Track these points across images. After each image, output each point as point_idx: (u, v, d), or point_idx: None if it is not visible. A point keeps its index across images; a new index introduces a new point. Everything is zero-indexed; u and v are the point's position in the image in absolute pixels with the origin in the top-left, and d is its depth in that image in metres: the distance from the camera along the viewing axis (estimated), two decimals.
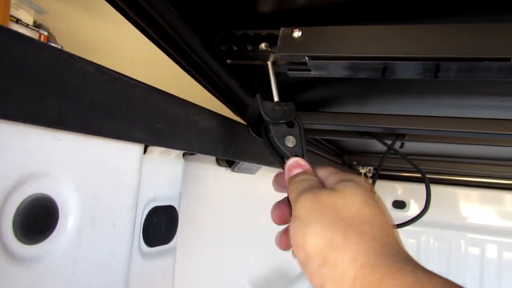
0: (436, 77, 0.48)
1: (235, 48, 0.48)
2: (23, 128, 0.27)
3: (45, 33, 2.56)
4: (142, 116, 0.36)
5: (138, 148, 0.38)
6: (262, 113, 0.44)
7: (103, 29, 2.88)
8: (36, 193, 0.29)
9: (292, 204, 0.34)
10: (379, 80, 0.62)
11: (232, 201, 0.81)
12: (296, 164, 0.40)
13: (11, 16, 2.32)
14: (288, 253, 1.16)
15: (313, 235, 0.28)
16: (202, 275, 0.71)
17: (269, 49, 0.46)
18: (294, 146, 0.44)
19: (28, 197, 0.28)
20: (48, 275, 0.29)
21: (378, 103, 0.76)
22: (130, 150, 0.37)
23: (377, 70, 0.46)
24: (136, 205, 0.39)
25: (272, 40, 0.46)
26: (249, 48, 0.47)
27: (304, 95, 0.72)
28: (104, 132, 0.32)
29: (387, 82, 0.63)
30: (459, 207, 1.77)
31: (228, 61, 0.49)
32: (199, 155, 0.62)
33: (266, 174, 0.93)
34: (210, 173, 0.71)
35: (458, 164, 1.44)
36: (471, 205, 1.76)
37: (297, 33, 0.44)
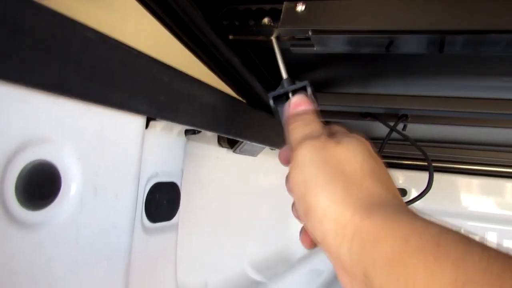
0: (441, 51, 0.47)
1: (237, 23, 0.48)
2: (24, 92, 0.27)
3: None
4: (144, 87, 0.36)
5: (140, 120, 0.38)
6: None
7: (104, 16, 2.85)
8: (39, 159, 0.28)
9: (293, 147, 0.32)
10: (382, 59, 0.62)
11: (233, 183, 0.81)
12: (300, 101, 0.37)
13: None
14: (289, 237, 1.16)
15: (315, 189, 0.28)
16: (200, 257, 0.71)
17: (272, 24, 0.45)
18: None
19: (30, 162, 0.28)
20: (50, 242, 0.29)
21: (380, 84, 0.76)
22: (132, 122, 0.37)
23: (381, 44, 0.45)
24: (138, 178, 0.39)
25: (275, 15, 0.46)
26: (252, 23, 0.47)
27: (304, 75, 0.72)
28: (106, 100, 0.32)
29: (390, 61, 0.62)
30: (460, 195, 1.77)
31: (231, 36, 0.49)
32: (200, 135, 0.62)
33: (267, 157, 0.93)
34: (211, 154, 0.70)
35: (461, 150, 1.44)
36: (472, 193, 1.76)
37: (300, 7, 0.43)
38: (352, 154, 0.29)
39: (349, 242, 0.25)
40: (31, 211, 0.28)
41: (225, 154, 0.73)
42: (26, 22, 0.25)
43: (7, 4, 0.24)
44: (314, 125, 0.34)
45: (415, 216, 0.25)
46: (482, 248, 0.21)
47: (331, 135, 0.33)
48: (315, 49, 0.46)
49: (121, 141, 0.36)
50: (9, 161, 0.26)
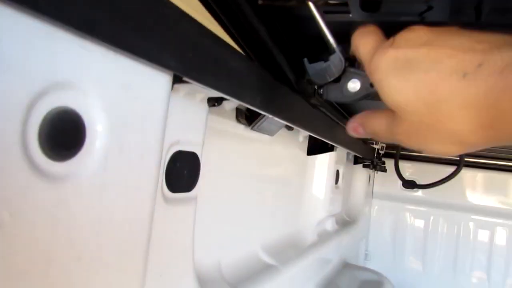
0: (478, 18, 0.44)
1: None
2: (51, 29, 0.24)
3: None
4: (173, 41, 0.33)
5: (167, 78, 0.35)
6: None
7: None
8: (63, 106, 0.26)
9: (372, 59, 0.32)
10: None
11: (248, 164, 0.79)
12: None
13: None
14: (300, 224, 1.13)
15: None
16: (213, 237, 0.69)
17: None
18: None
19: (55, 108, 0.25)
20: (73, 197, 0.27)
21: None
22: (159, 79, 0.35)
23: (419, 10, 0.42)
24: (163, 140, 0.36)
25: None
26: None
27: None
28: (135, 50, 0.29)
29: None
30: (469, 189, 1.74)
31: (260, 1, 0.46)
32: (219, 108, 0.59)
33: (283, 140, 0.91)
34: (229, 129, 0.68)
35: None
36: (482, 187, 1.73)
37: None
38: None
39: None
40: (54, 162, 0.26)
41: (242, 131, 0.70)
42: None
43: None
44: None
45: None
46: None
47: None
48: (351, 15, 0.44)
49: (148, 98, 0.34)
50: (33, 104, 0.24)
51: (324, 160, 1.08)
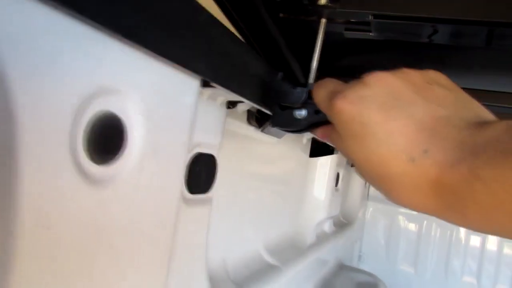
0: (489, 44, 0.46)
1: (291, 1, 0.46)
2: (98, 36, 0.25)
3: None
4: (204, 47, 0.34)
5: (196, 82, 0.36)
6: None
7: None
8: (107, 110, 0.27)
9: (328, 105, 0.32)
10: (420, 50, 0.60)
11: (254, 163, 0.80)
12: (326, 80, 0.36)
13: None
14: (300, 225, 1.14)
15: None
16: (219, 235, 0.70)
17: (330, 4, 0.43)
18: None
19: (100, 111, 0.26)
20: (113, 199, 0.28)
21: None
22: (189, 83, 0.35)
23: (448, 34, 0.44)
24: (189, 143, 0.37)
25: None
26: (306, 1, 0.45)
27: (338, 58, 0.70)
28: (171, 55, 0.30)
29: (429, 52, 0.61)
30: None
31: (281, 14, 0.47)
32: (232, 110, 0.60)
33: (288, 144, 0.92)
34: (240, 131, 0.69)
35: None
36: None
37: None
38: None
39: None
40: (97, 165, 0.27)
41: (252, 133, 0.71)
42: None
43: None
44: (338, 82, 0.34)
45: None
46: None
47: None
48: (371, 34, 0.45)
49: (178, 102, 0.34)
50: (82, 107, 0.25)
51: (326, 163, 1.09)
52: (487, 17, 0.41)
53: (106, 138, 0.27)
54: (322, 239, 1.18)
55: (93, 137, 0.26)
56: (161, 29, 0.29)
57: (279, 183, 0.93)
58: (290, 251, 0.94)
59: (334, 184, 1.16)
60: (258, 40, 0.52)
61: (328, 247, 1.23)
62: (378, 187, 0.29)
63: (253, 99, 0.46)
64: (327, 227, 1.29)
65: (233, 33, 0.40)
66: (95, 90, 0.26)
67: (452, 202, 0.25)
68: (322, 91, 0.34)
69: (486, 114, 0.29)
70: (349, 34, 0.48)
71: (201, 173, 0.46)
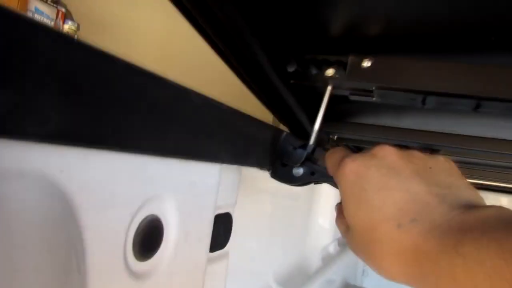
0: (475, 110, 0.51)
1: (300, 70, 0.50)
2: (147, 159, 0.30)
3: (63, 9, 2.56)
4: (220, 138, 0.39)
5: (217, 166, 0.41)
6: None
7: (118, 6, 2.87)
8: (150, 214, 0.32)
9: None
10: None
11: (264, 199, 0.84)
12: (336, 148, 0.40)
13: None
14: (307, 249, 1.19)
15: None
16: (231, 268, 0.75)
17: (337, 76, 0.48)
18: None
19: (144, 218, 0.31)
20: (154, 287, 0.32)
21: (414, 118, 0.79)
22: (213, 170, 0.40)
23: (439, 103, 0.49)
24: (213, 215, 0.42)
25: (338, 65, 0.48)
26: (314, 72, 0.49)
27: (338, 105, 0.74)
28: (201, 156, 0.35)
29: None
30: None
31: (292, 81, 0.52)
32: None
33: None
34: (250, 174, 0.74)
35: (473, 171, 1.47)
36: None
37: (366, 63, 0.46)
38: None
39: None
40: (139, 262, 0.31)
41: (261, 173, 0.76)
42: (154, 95, 0.28)
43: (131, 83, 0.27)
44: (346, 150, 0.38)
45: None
46: None
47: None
48: (374, 99, 0.49)
49: (204, 187, 0.39)
50: (132, 220, 0.29)
51: (330, 192, 1.14)
52: (473, 92, 0.46)
53: (149, 238, 0.32)
54: (327, 260, 1.23)
55: (138, 239, 0.31)
56: (195, 139, 0.33)
57: (286, 215, 0.98)
58: (297, 278, 0.99)
59: None
60: (270, 101, 0.57)
61: (333, 268, 1.28)
62: (366, 254, 0.31)
63: (261, 164, 0.51)
64: (332, 248, 1.34)
65: (241, 112, 0.45)
66: (144, 201, 0.30)
67: (429, 271, 0.25)
68: (334, 157, 0.37)
69: (481, 200, 0.31)
70: (353, 97, 0.53)
71: (219, 232, 0.51)
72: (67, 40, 0.20)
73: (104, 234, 0.27)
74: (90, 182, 0.24)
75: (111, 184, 0.26)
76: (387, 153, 0.33)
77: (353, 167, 0.33)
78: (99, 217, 0.26)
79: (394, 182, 0.31)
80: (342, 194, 0.34)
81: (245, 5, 0.40)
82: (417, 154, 0.34)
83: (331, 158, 0.38)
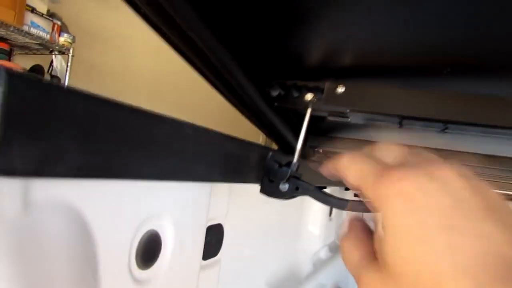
0: (443, 132, 0.57)
1: (282, 93, 0.56)
2: (148, 184, 0.35)
3: (58, 22, 2.61)
4: (216, 160, 0.45)
5: (209, 183, 0.46)
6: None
7: (113, 18, 2.92)
8: (150, 230, 0.37)
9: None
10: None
11: (256, 208, 0.90)
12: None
13: (27, 5, 2.36)
14: (298, 255, 1.25)
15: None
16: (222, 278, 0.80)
17: (315, 100, 0.54)
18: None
19: (145, 233, 0.36)
20: None
21: (391, 131, 0.85)
22: (205, 186, 0.46)
23: (395, 122, 0.55)
24: (206, 224, 0.47)
25: (316, 90, 0.54)
26: (296, 95, 0.55)
27: (322, 121, 0.80)
28: (195, 177, 0.41)
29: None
30: None
31: (276, 104, 0.58)
32: None
33: None
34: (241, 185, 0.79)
35: None
36: None
37: (340, 89, 0.52)
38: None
39: None
40: (141, 270, 0.37)
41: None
42: (149, 132, 0.34)
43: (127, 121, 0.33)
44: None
45: None
46: None
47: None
48: (349, 120, 0.55)
49: (197, 203, 0.45)
50: (134, 235, 0.35)
51: None
52: (440, 116, 0.51)
53: (149, 250, 0.37)
54: (318, 266, 1.28)
55: (140, 251, 0.36)
56: (191, 164, 0.39)
57: (277, 222, 1.03)
58: (288, 283, 1.04)
59: (328, 215, 1.26)
60: (258, 122, 0.63)
61: (325, 272, 1.33)
62: None
63: (250, 181, 0.57)
64: (323, 253, 1.39)
65: (228, 136, 0.50)
66: (145, 219, 0.36)
67: None
68: (361, 168, 0.28)
69: None
70: (331, 118, 0.59)
71: (211, 242, 0.56)
72: (85, 97, 0.25)
73: (112, 248, 0.32)
74: (102, 206, 0.29)
75: (118, 207, 0.31)
76: (449, 175, 0.24)
77: (405, 188, 0.24)
78: (109, 234, 0.31)
79: (465, 222, 0.22)
80: (384, 221, 0.25)
81: (230, 40, 0.46)
82: (482, 183, 0.25)
83: (355, 170, 0.29)
